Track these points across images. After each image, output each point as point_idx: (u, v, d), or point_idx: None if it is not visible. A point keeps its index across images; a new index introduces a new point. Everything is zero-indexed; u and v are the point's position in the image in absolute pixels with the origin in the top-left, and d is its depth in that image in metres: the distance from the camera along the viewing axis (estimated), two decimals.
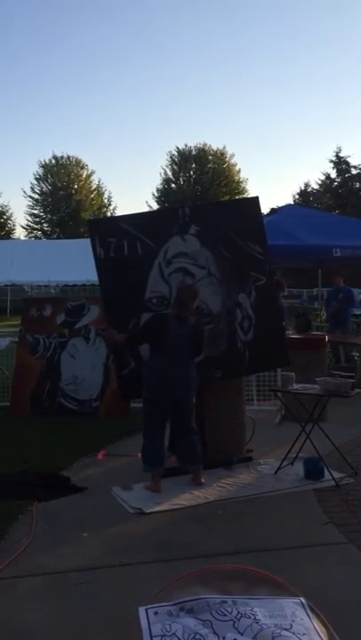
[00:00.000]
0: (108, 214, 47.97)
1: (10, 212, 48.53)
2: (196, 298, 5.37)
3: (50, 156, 50.60)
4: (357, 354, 10.47)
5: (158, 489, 5.12)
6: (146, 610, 1.91)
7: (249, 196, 37.91)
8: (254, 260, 5.91)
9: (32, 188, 49.53)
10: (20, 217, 64.68)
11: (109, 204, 52.22)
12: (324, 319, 14.18)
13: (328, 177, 45.56)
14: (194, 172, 50.74)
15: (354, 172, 44.13)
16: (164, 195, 49.98)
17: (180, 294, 5.34)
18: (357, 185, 44.15)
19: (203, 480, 5.30)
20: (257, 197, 6.20)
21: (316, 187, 47.20)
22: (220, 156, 50.86)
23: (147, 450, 5.25)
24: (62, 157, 50.10)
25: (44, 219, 50.32)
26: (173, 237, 5.70)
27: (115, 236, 5.57)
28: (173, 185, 50.79)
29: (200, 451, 5.33)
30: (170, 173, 51.03)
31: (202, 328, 5.43)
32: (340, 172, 44.80)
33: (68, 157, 50.27)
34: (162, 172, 51.23)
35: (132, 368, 5.51)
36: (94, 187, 51.55)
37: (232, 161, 51.01)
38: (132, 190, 78.45)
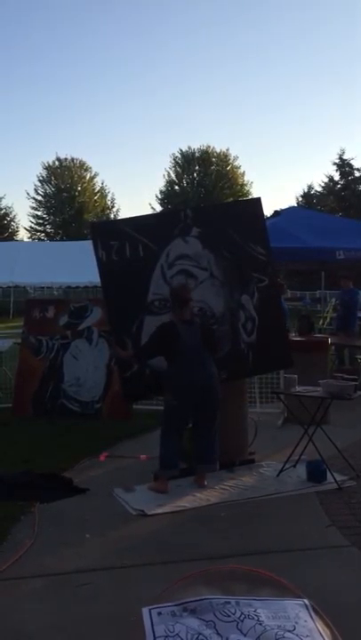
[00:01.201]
0: (112, 216, 48.12)
1: (13, 213, 48.75)
2: (189, 290, 5.41)
3: (53, 157, 50.87)
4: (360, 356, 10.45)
5: (166, 489, 5.12)
6: (149, 610, 1.90)
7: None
8: (256, 262, 5.91)
9: (35, 190, 49.78)
10: (24, 219, 64.92)
11: (113, 206, 52.48)
12: (328, 322, 14.15)
13: (331, 179, 45.59)
14: (197, 174, 50.78)
15: (357, 174, 44.15)
16: (167, 197, 50.04)
17: (179, 293, 5.34)
18: None
19: (205, 482, 5.29)
20: (259, 198, 6.19)
21: (319, 189, 47.27)
22: (223, 158, 50.91)
23: (165, 453, 5.22)
24: (66, 159, 50.31)
25: (47, 220, 50.43)
26: (175, 240, 5.70)
27: (117, 238, 5.57)
28: (177, 187, 50.85)
29: (218, 453, 5.32)
30: (173, 175, 51.13)
31: (209, 327, 5.47)
32: (343, 175, 44.81)
33: (72, 159, 50.49)
34: (165, 174, 51.46)
35: (135, 370, 5.51)
36: (97, 189, 51.74)
37: (236, 163, 51.14)
38: (135, 192, 78.84)
